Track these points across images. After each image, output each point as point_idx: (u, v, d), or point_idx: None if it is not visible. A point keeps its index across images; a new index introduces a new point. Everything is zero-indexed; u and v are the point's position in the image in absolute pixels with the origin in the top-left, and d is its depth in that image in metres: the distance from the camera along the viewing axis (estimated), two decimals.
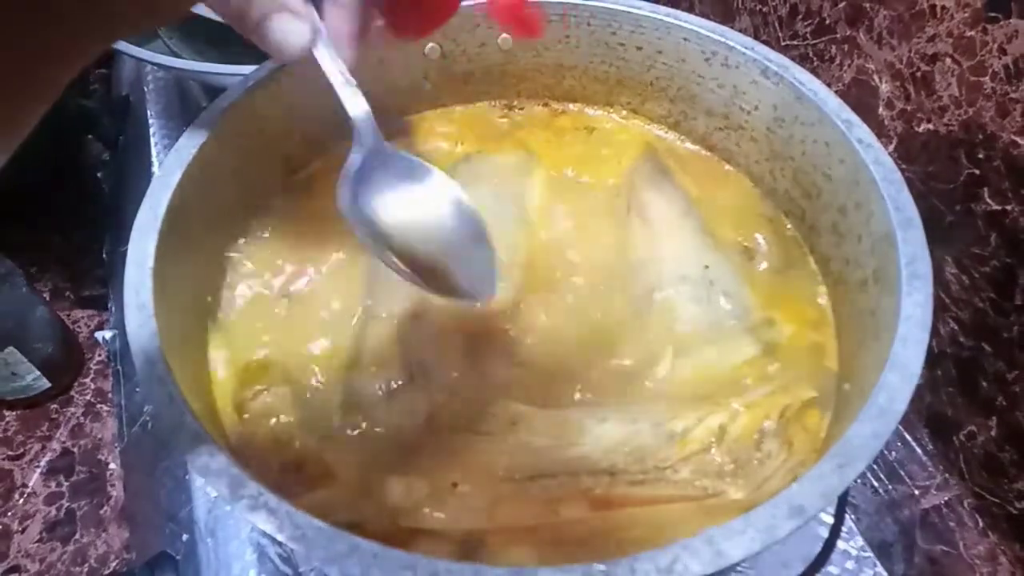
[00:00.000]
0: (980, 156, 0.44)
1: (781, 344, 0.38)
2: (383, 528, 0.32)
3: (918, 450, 0.52)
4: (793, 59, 0.41)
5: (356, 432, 0.36)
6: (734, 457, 0.34)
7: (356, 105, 0.35)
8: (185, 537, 0.47)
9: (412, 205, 0.35)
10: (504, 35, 0.48)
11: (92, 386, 0.75)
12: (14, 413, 0.72)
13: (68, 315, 0.79)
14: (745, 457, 0.34)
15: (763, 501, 0.26)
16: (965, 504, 0.50)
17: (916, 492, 0.51)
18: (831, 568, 0.44)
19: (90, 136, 0.86)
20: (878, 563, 0.45)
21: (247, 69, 0.42)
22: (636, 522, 0.32)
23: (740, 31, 0.43)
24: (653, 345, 0.39)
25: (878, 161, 0.36)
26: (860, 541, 0.46)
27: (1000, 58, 0.42)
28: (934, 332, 0.30)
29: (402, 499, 0.33)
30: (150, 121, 0.73)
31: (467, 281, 0.35)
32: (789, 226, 0.44)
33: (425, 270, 0.34)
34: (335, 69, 0.34)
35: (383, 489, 0.33)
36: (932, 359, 0.50)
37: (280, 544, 0.45)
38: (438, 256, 0.35)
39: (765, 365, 0.38)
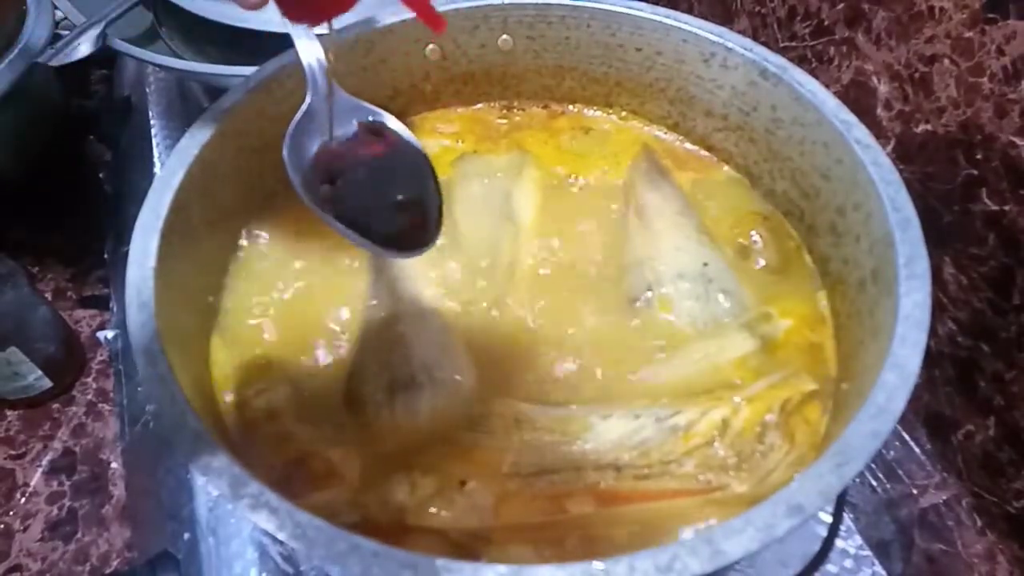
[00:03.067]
0: (978, 157, 0.45)
1: (779, 340, 0.39)
2: (389, 527, 0.32)
3: (916, 449, 0.52)
4: (792, 60, 0.41)
5: (359, 431, 0.36)
6: (737, 450, 0.34)
7: (310, 53, 0.35)
8: (187, 536, 0.47)
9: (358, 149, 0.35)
10: (505, 36, 0.48)
11: (94, 385, 0.75)
12: (16, 412, 0.72)
13: (70, 315, 0.79)
14: (748, 450, 0.34)
15: (767, 494, 0.26)
16: (963, 503, 0.50)
17: (914, 491, 0.51)
18: (830, 567, 0.45)
19: (91, 137, 0.86)
20: (876, 562, 0.45)
21: (248, 70, 0.42)
22: (640, 518, 0.33)
23: (739, 32, 0.43)
24: (652, 341, 0.39)
25: (876, 162, 0.36)
26: (859, 540, 0.46)
27: (998, 59, 0.42)
28: (932, 332, 0.30)
29: (408, 497, 0.33)
30: (151, 122, 0.73)
31: (408, 230, 0.34)
32: (787, 226, 0.44)
33: (365, 218, 0.34)
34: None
35: (388, 487, 0.33)
36: (930, 359, 0.50)
37: (281, 543, 0.45)
38: (380, 202, 0.34)
39: (763, 360, 0.38)
